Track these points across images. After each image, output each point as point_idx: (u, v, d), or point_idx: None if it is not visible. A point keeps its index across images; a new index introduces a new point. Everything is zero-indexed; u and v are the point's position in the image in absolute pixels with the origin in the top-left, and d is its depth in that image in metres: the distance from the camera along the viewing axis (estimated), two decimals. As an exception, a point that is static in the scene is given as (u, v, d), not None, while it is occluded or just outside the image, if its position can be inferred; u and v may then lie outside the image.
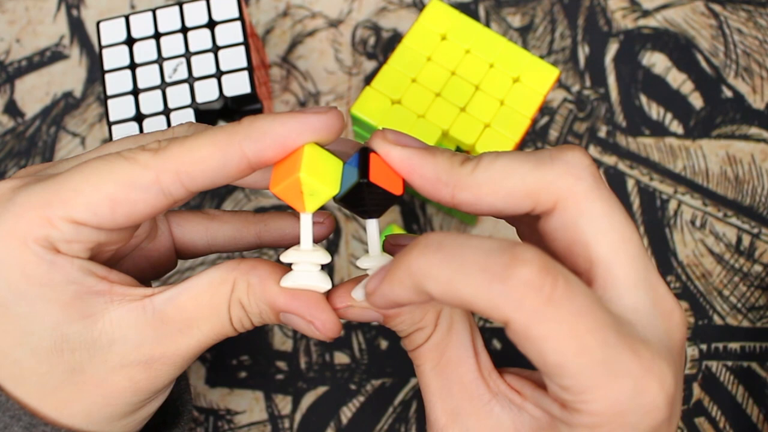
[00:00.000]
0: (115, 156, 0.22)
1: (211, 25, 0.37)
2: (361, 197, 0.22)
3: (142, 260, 0.27)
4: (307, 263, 0.23)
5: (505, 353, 0.40)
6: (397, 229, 0.40)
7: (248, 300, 0.23)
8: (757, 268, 0.41)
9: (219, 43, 0.37)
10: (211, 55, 0.37)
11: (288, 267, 0.24)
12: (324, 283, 0.23)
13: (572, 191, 0.21)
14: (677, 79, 0.44)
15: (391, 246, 0.26)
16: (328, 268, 0.41)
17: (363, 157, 0.22)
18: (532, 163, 0.21)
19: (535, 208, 0.22)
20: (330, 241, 0.41)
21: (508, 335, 0.19)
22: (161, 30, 0.37)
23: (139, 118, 0.36)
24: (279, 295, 0.23)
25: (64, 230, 0.21)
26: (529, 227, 0.24)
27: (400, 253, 0.20)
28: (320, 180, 0.21)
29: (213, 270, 0.24)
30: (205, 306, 0.23)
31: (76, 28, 0.46)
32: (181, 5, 0.38)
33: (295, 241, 0.27)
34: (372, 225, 0.23)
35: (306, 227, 0.23)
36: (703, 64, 0.44)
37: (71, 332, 0.22)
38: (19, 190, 0.22)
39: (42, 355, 0.22)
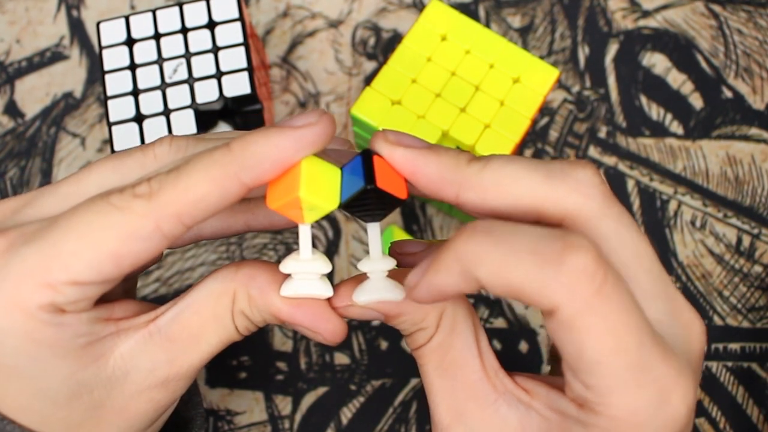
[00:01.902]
0: (106, 206, 0.21)
1: (211, 25, 0.37)
2: (366, 203, 0.22)
3: None
4: (307, 273, 0.23)
5: (505, 353, 0.40)
6: (398, 230, 0.40)
7: (251, 311, 0.23)
8: (757, 268, 0.41)
9: (219, 43, 0.37)
10: (211, 56, 0.37)
11: None
12: (325, 291, 0.23)
13: (581, 211, 0.21)
14: (677, 80, 0.44)
15: (396, 254, 0.26)
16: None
17: (366, 160, 0.22)
18: (542, 174, 0.21)
19: (540, 220, 0.21)
20: (330, 241, 0.41)
21: (548, 324, 0.19)
22: (161, 30, 0.37)
23: (139, 118, 0.36)
24: (282, 307, 0.23)
25: (68, 293, 0.21)
26: None
27: (445, 242, 0.20)
28: (320, 197, 0.21)
29: (211, 281, 0.23)
30: (209, 319, 0.23)
31: (76, 28, 0.46)
32: (181, 6, 0.38)
33: (285, 227, 0.27)
34: (373, 228, 0.23)
35: (305, 237, 0.22)
36: (703, 64, 0.44)
37: (86, 377, 0.22)
38: (11, 255, 0.21)
39: (61, 402, 0.22)
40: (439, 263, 0.20)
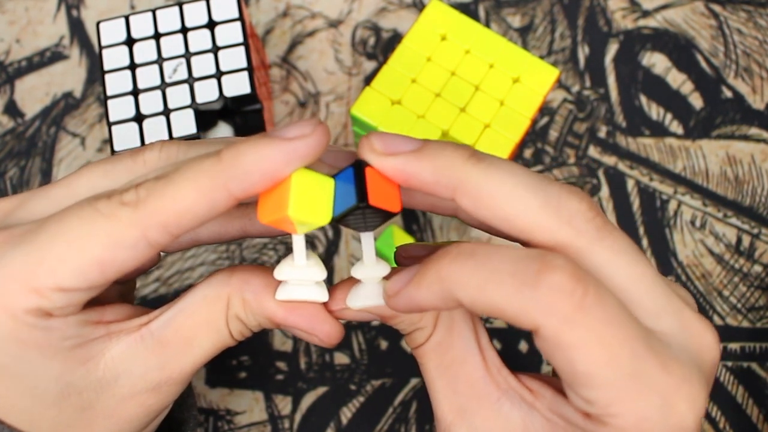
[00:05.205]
0: (92, 212, 0.21)
1: (211, 25, 0.37)
2: (359, 217, 0.21)
3: None
4: (301, 280, 0.22)
5: (505, 353, 0.40)
6: (398, 230, 0.40)
7: (246, 315, 0.23)
8: (757, 268, 0.41)
9: (219, 43, 0.37)
10: (211, 56, 0.37)
11: None
12: (321, 295, 0.23)
13: (571, 244, 0.21)
14: (677, 80, 0.44)
15: (402, 258, 0.25)
16: (328, 269, 0.41)
17: (358, 174, 0.21)
18: (539, 200, 0.20)
19: (529, 243, 0.21)
20: (330, 241, 0.41)
21: (537, 343, 0.19)
22: (161, 30, 0.37)
23: (139, 118, 0.36)
24: (277, 310, 0.23)
25: (54, 299, 0.21)
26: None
27: (429, 260, 0.20)
28: (310, 214, 0.20)
29: (205, 286, 0.23)
30: (202, 324, 0.23)
31: (76, 28, 0.46)
32: (181, 5, 0.38)
33: (281, 233, 0.27)
34: (367, 236, 0.23)
35: (299, 246, 0.22)
36: (703, 64, 0.44)
37: (75, 378, 0.22)
38: None
39: (49, 402, 0.22)
40: (421, 280, 0.20)
